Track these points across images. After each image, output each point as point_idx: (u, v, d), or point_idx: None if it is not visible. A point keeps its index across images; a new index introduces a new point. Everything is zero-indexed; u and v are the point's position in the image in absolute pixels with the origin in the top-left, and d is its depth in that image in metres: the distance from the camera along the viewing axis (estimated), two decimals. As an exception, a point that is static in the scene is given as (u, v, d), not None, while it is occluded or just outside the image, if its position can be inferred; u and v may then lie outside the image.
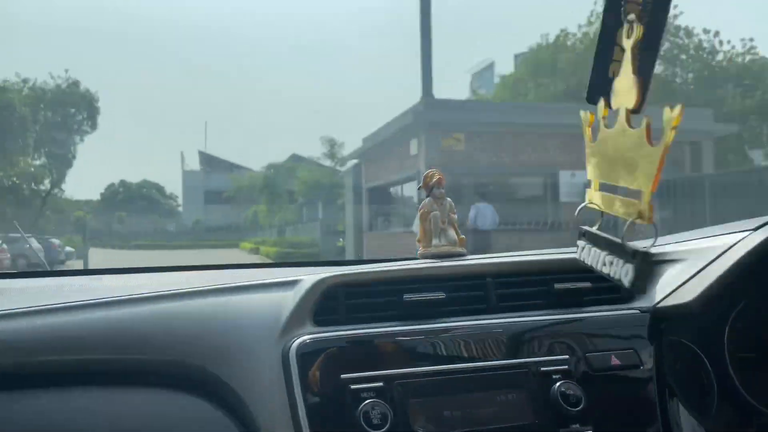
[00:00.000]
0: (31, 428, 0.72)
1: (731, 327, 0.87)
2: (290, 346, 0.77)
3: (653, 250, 0.59)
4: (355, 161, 16.27)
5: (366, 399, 0.73)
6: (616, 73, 0.60)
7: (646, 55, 0.56)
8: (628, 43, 0.57)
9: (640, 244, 0.63)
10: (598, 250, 0.65)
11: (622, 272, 0.59)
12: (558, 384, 0.78)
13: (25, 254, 15.87)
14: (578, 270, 0.91)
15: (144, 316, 0.83)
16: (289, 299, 0.84)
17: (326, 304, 0.84)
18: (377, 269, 0.90)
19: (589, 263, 0.67)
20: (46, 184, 30.41)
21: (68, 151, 30.96)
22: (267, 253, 20.16)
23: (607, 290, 0.94)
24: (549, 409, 0.77)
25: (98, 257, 23.91)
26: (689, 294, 0.85)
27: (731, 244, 0.86)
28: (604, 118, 0.63)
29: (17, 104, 26.48)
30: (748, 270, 0.83)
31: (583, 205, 0.67)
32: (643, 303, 0.93)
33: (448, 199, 1.02)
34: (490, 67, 30.97)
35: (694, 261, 0.90)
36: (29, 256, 15.42)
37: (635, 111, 0.57)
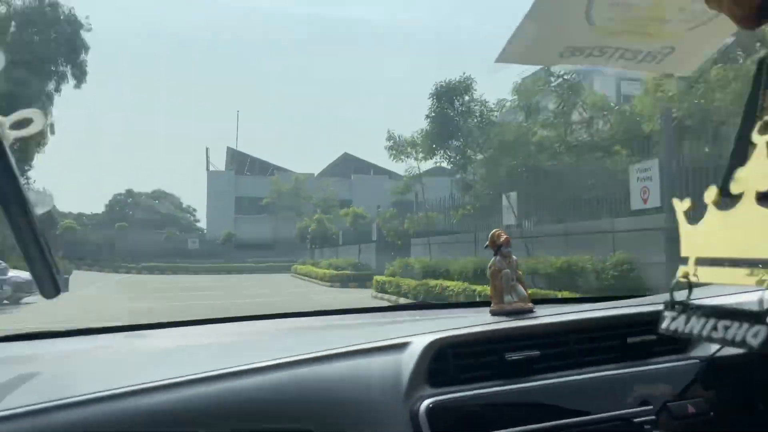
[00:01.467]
0: None
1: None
2: (418, 407, 1.01)
3: None
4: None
5: None
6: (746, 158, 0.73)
7: None
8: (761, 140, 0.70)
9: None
10: (699, 319, 0.81)
11: (749, 335, 0.72)
12: None
13: None
14: (643, 323, 1.21)
15: (275, 384, 1.04)
16: (404, 362, 1.08)
17: (437, 365, 1.09)
18: (478, 329, 1.17)
19: (685, 331, 0.81)
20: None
21: (43, 96, 22.52)
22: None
23: (666, 341, 1.20)
24: None
25: (84, 284, 19.00)
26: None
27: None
28: (714, 203, 0.77)
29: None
30: None
31: (675, 280, 0.83)
32: (698, 353, 1.21)
33: (514, 257, 1.29)
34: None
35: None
36: None
37: None
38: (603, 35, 0.90)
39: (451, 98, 17.99)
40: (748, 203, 0.73)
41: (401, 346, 1.12)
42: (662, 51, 0.94)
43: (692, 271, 0.81)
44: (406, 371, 1.07)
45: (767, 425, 1.15)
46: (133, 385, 0.96)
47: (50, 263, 0.89)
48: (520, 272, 1.30)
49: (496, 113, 17.41)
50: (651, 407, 1.10)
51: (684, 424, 1.10)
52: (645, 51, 0.94)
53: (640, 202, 10.74)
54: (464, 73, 17.96)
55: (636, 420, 1.07)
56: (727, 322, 0.76)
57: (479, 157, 17.45)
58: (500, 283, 1.29)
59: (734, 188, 0.75)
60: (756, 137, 0.73)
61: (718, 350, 1.19)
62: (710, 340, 0.78)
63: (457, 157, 17.78)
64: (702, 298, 0.86)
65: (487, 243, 1.31)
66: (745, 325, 0.74)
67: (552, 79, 15.14)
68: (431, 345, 1.10)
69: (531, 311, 1.27)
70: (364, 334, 1.22)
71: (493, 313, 1.28)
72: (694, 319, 0.81)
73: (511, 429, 1.01)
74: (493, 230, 1.32)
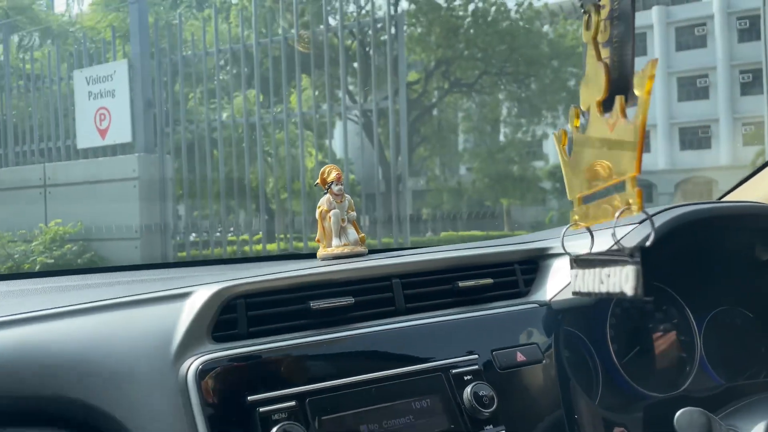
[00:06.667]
0: None
1: (612, 316, 1.13)
2: (188, 368, 0.85)
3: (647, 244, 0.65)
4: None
5: (278, 422, 0.83)
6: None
7: (615, 43, 0.66)
8: (588, 35, 0.68)
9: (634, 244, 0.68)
10: (592, 272, 0.74)
11: (622, 281, 0.67)
12: (470, 386, 0.95)
13: None
14: (480, 266, 1.12)
15: (8, 344, 0.86)
16: (181, 315, 0.92)
17: (224, 318, 0.93)
18: (279, 275, 1.01)
19: (587, 290, 0.75)
20: None
21: None
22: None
23: (506, 285, 1.13)
24: (464, 412, 0.93)
25: None
26: None
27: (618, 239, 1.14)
28: (576, 127, 0.73)
29: None
30: None
31: (567, 227, 0.77)
32: (539, 297, 1.12)
33: (347, 196, 1.17)
34: None
35: None
36: None
37: (607, 100, 0.66)
38: None
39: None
40: (595, 116, 0.70)
41: (179, 297, 0.96)
42: None
43: (580, 213, 0.77)
44: (182, 326, 0.91)
45: (586, 368, 1.16)
46: None
47: None
48: (353, 212, 1.18)
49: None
50: (476, 356, 1.01)
51: (511, 373, 1.03)
52: None
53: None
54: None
55: (454, 371, 0.98)
56: (608, 271, 0.72)
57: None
58: (329, 224, 1.17)
59: (583, 104, 0.73)
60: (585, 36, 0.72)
61: (556, 294, 1.12)
62: (601, 295, 0.74)
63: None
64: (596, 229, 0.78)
65: (317, 181, 1.18)
66: (618, 271, 0.69)
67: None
68: (218, 294, 0.94)
69: (361, 254, 1.16)
70: (133, 289, 1.03)
71: (321, 258, 1.17)
72: (588, 273, 0.76)
73: (306, 386, 0.90)
74: (324, 166, 1.19)
